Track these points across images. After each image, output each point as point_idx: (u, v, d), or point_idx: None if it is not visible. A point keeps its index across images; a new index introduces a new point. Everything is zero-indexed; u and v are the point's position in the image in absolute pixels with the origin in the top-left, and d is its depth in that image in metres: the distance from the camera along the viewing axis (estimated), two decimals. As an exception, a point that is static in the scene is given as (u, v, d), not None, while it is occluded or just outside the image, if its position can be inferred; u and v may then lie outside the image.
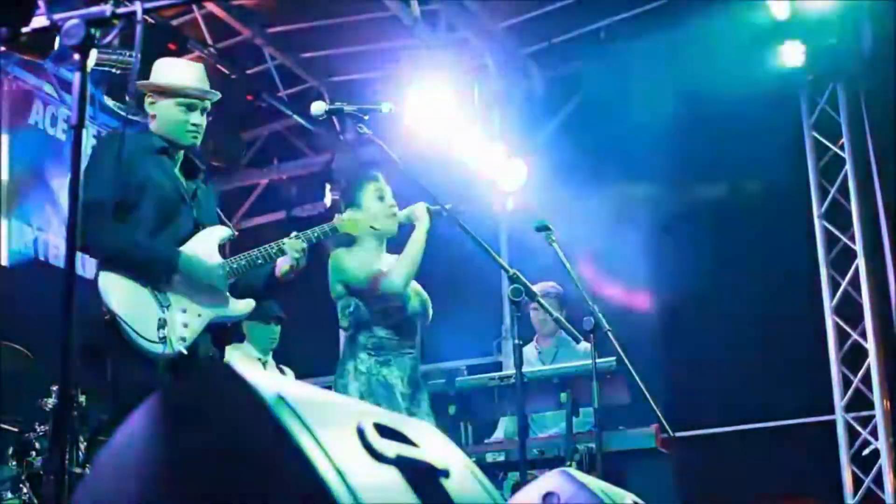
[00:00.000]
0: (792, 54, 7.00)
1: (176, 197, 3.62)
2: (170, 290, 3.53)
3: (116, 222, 3.47)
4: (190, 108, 3.67)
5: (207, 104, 3.73)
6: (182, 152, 3.73)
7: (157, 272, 3.52)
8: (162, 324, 3.43)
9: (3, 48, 6.61)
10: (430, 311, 4.47)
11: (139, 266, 3.49)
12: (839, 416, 7.00)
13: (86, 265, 7.33)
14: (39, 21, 2.02)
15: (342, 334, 4.41)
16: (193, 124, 3.68)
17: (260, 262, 3.71)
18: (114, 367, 3.41)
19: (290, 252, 3.72)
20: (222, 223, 3.84)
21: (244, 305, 3.73)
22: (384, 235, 4.35)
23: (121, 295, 3.44)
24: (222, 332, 3.76)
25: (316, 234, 3.87)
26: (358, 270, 4.25)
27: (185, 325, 3.52)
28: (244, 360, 5.46)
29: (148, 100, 3.70)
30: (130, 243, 3.49)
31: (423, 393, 4.37)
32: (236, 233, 3.76)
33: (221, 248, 3.71)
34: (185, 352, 3.49)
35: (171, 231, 3.59)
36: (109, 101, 7.38)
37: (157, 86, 3.68)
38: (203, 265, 3.59)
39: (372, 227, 4.20)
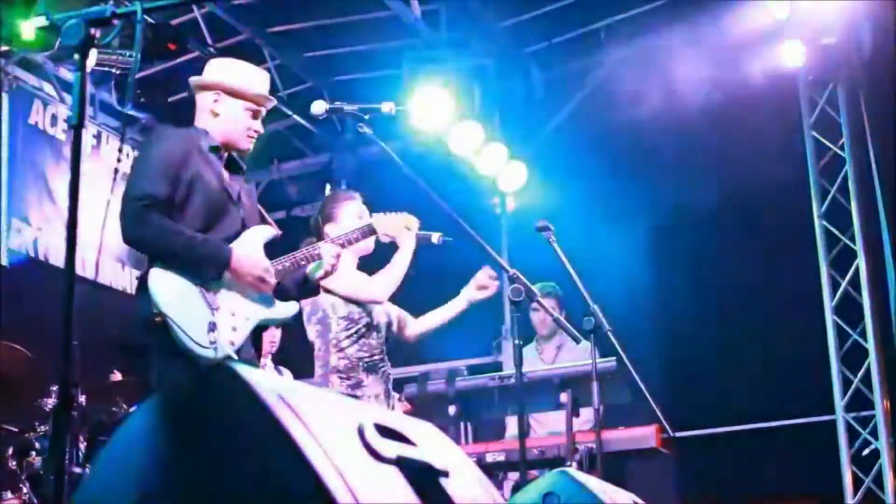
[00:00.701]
0: (792, 54, 7.00)
1: (224, 196, 3.57)
2: (219, 292, 3.47)
3: (166, 218, 3.42)
4: (255, 114, 3.69)
5: (264, 112, 3.75)
6: (227, 153, 3.70)
7: (211, 269, 3.46)
8: (212, 327, 3.36)
9: (3, 48, 6.62)
10: (395, 324, 4.50)
11: (192, 262, 3.42)
12: (839, 416, 6.99)
13: (85, 265, 7.34)
14: (39, 21, 2.02)
15: (317, 345, 4.36)
16: (255, 130, 3.70)
17: (303, 263, 3.71)
18: (159, 370, 3.32)
19: (325, 257, 3.72)
20: (265, 222, 3.79)
21: (288, 308, 3.68)
22: (360, 254, 4.37)
23: (172, 296, 3.36)
24: (259, 335, 3.72)
25: (355, 236, 3.91)
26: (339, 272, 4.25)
27: (234, 329, 3.45)
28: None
29: (211, 96, 3.66)
30: (185, 238, 3.41)
31: (394, 400, 4.39)
32: (280, 233, 3.73)
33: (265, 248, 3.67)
34: (233, 355, 3.42)
35: (218, 230, 3.53)
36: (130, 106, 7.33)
37: (231, 89, 3.66)
38: (253, 264, 3.54)
39: (407, 227, 4.20)
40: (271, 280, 3.56)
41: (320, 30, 7.75)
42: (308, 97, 3.82)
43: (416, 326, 4.62)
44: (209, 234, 3.50)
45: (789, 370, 6.95)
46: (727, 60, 6.93)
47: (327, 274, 3.77)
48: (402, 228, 4.19)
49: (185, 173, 3.47)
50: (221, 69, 3.73)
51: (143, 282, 3.40)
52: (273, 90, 7.79)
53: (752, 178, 7.04)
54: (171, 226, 3.40)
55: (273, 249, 3.69)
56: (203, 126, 3.66)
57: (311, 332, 4.32)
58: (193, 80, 3.75)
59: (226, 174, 3.64)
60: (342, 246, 3.84)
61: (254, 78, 3.72)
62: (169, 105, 7.59)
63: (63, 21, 2.00)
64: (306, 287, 3.80)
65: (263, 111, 3.73)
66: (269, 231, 3.69)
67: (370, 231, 4.02)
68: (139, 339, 3.37)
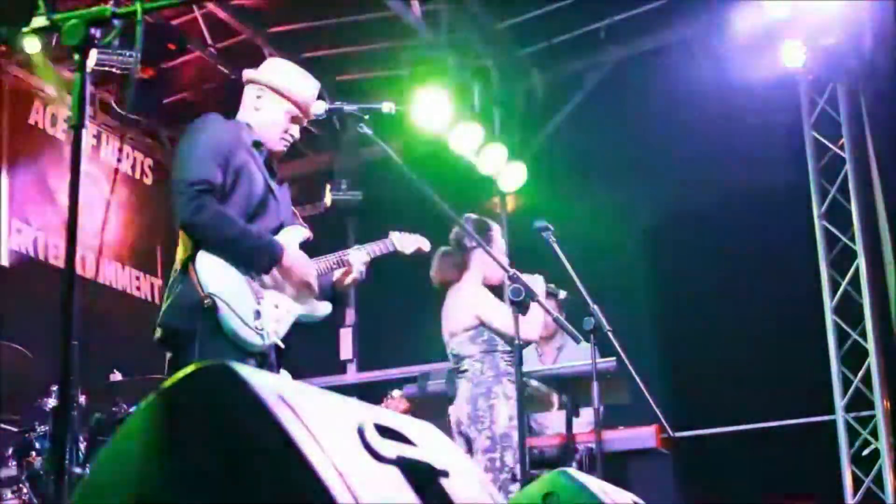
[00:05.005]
0: (792, 54, 7.00)
1: (266, 191, 3.57)
2: (263, 283, 3.47)
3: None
4: (294, 119, 3.70)
5: (304, 121, 3.77)
6: (265, 151, 3.70)
7: (262, 261, 3.45)
8: (258, 315, 3.36)
9: (3, 48, 6.62)
10: None
11: (246, 251, 3.40)
12: (839, 416, 6.99)
13: (86, 265, 7.34)
14: (39, 21, 2.02)
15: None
16: (291, 135, 3.71)
17: (335, 267, 3.73)
18: (201, 355, 3.24)
19: (355, 264, 3.75)
20: (297, 223, 3.81)
21: (325, 307, 3.71)
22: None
23: (220, 279, 3.33)
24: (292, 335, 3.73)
25: (379, 249, 3.97)
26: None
27: (278, 321, 3.46)
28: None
29: (256, 91, 3.68)
30: (241, 226, 3.39)
31: None
32: (311, 235, 3.75)
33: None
34: (281, 345, 3.45)
35: (259, 223, 3.52)
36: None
37: (277, 88, 3.67)
38: (303, 262, 3.56)
39: (420, 247, 4.27)
40: (315, 283, 3.59)
41: (320, 30, 7.75)
42: (308, 97, 3.82)
43: None
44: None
45: (789, 370, 6.94)
46: (727, 60, 6.92)
47: (355, 281, 3.80)
48: (415, 246, 4.22)
49: (233, 161, 3.46)
50: (275, 68, 3.76)
51: (185, 267, 3.36)
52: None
53: (752, 178, 7.04)
54: (226, 212, 3.38)
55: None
56: (245, 120, 3.67)
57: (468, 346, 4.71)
58: (246, 73, 3.77)
59: (265, 170, 3.65)
60: (368, 257, 3.89)
61: (302, 84, 3.73)
62: (163, 106, 7.60)
63: (63, 21, 2.00)
64: (333, 293, 3.80)
65: (304, 120, 3.74)
66: (304, 233, 3.71)
67: (393, 248, 4.08)
68: (182, 325, 3.30)
